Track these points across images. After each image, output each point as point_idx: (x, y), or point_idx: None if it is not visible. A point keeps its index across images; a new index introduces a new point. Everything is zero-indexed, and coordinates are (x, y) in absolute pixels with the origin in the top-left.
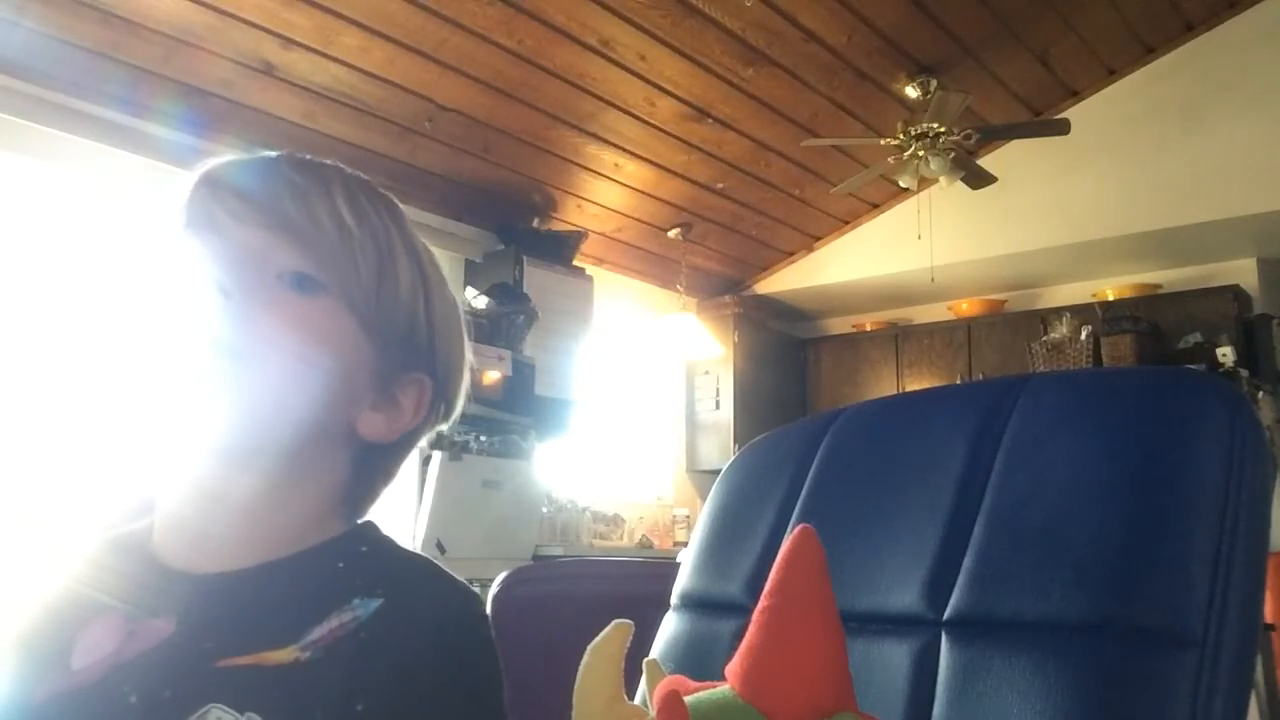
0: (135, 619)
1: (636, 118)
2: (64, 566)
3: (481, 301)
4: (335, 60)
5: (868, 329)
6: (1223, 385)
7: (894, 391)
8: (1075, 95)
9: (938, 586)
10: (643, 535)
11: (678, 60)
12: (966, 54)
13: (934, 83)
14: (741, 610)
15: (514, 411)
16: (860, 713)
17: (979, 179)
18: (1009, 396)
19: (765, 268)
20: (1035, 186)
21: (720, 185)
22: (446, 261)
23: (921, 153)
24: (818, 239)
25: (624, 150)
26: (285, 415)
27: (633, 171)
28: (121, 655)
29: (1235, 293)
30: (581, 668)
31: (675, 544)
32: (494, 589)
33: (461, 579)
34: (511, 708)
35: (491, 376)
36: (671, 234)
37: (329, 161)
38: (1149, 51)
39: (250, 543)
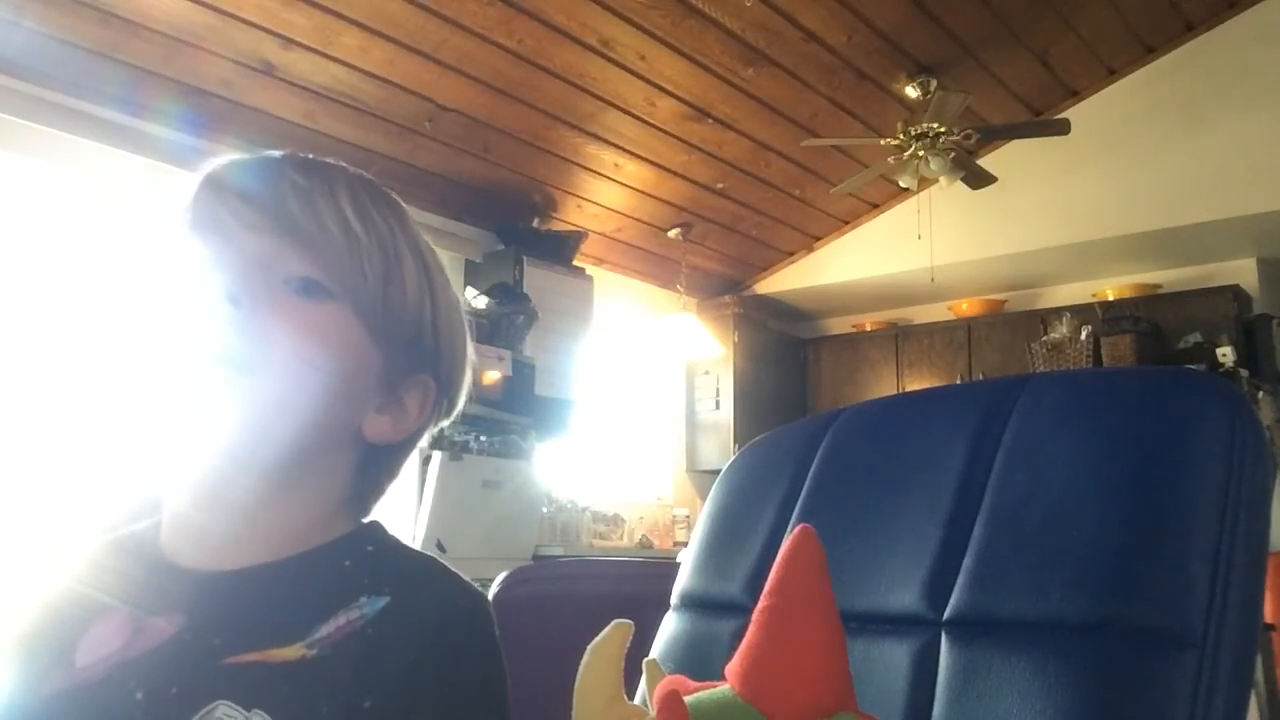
0: (141, 616)
1: (636, 118)
2: (66, 567)
3: (481, 301)
4: (335, 60)
5: (868, 329)
6: (1223, 385)
7: (894, 391)
8: (1075, 95)
9: (938, 586)
10: (643, 535)
11: (678, 60)
12: (966, 54)
13: (934, 83)
14: (741, 610)
15: (514, 411)
16: (860, 713)
17: (979, 179)
18: (1009, 396)
19: (765, 268)
20: (1035, 186)
21: (720, 185)
22: (446, 261)
23: (921, 153)
24: (818, 239)
25: (624, 150)
26: (291, 420)
27: (633, 171)
28: (128, 652)
29: (1235, 293)
30: (581, 668)
31: (675, 544)
32: (494, 589)
33: (467, 578)
34: (512, 707)
35: (491, 376)
36: (671, 234)
37: (333, 161)
38: (1149, 51)
39: (256, 542)
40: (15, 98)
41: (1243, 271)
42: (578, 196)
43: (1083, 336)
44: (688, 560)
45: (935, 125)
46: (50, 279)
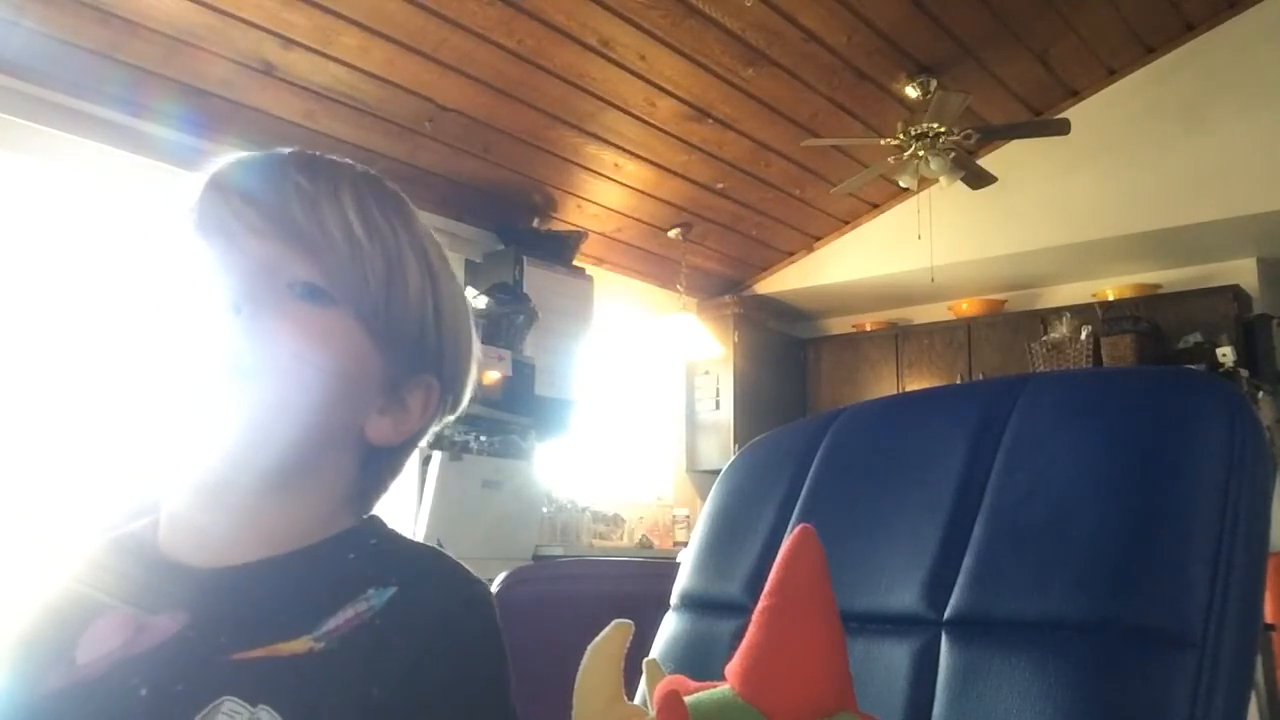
0: (144, 614)
1: (636, 118)
2: (65, 567)
3: (481, 301)
4: (335, 60)
5: (868, 329)
6: (1223, 385)
7: (894, 391)
8: (1075, 95)
9: (937, 586)
10: (643, 535)
11: (678, 60)
12: (966, 54)
13: (934, 83)
14: (741, 610)
15: (514, 411)
16: (860, 713)
17: (979, 179)
18: (1009, 396)
19: (765, 268)
20: (1035, 186)
21: (720, 185)
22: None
23: (921, 153)
24: (818, 239)
25: (624, 150)
26: (293, 424)
27: (633, 171)
28: (130, 649)
29: (1235, 293)
30: (581, 668)
31: (675, 544)
32: (494, 589)
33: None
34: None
35: (491, 376)
36: (671, 234)
37: (338, 159)
38: (1149, 51)
39: (258, 540)
40: (15, 98)
41: (1243, 271)
42: (578, 196)
43: (1083, 336)
44: (688, 560)
45: (935, 125)
46: (50, 279)
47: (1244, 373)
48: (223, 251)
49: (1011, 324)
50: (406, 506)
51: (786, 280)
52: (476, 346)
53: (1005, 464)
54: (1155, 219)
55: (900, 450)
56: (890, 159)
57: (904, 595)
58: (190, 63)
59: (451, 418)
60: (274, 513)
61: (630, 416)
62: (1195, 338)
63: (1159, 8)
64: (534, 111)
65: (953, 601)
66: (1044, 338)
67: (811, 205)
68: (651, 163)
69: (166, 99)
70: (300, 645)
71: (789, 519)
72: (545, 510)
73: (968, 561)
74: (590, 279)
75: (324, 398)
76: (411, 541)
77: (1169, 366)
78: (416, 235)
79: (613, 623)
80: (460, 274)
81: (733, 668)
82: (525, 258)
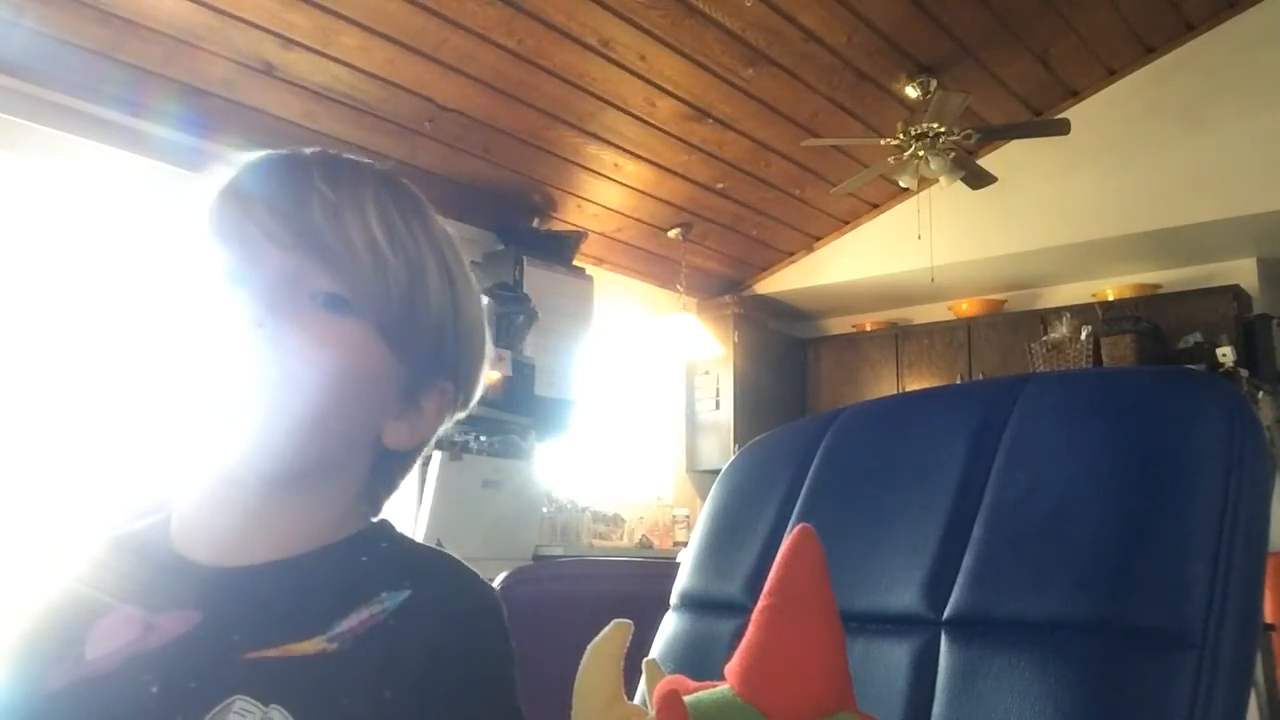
0: (155, 612)
1: (636, 118)
2: (69, 567)
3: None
4: (335, 60)
5: (868, 329)
6: (1222, 385)
7: (894, 391)
8: (1075, 95)
9: (937, 586)
10: (643, 535)
11: (678, 60)
12: (966, 54)
13: (934, 83)
14: (741, 610)
15: (514, 411)
16: (860, 713)
17: (979, 179)
18: (1009, 396)
19: (765, 268)
20: (1035, 186)
21: (720, 185)
22: None
23: (921, 153)
24: (818, 239)
25: (624, 150)
26: (311, 432)
27: (633, 171)
28: (141, 646)
29: (1235, 293)
30: (581, 668)
31: (675, 544)
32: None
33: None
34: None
35: (491, 376)
36: (671, 234)
37: (360, 161)
38: (1149, 51)
39: (271, 541)
40: (15, 98)
41: (1243, 271)
42: (578, 196)
43: (1083, 336)
44: (687, 560)
45: (935, 125)
46: (51, 279)
47: (1244, 373)
48: (244, 261)
49: (1011, 324)
50: (406, 506)
51: (786, 280)
52: (490, 346)
53: (1005, 464)
54: (1155, 219)
55: (900, 450)
56: (890, 159)
57: (904, 595)
58: (190, 63)
59: (462, 414)
60: (288, 515)
61: (630, 416)
62: (1195, 338)
63: (1159, 8)
64: (534, 111)
65: (952, 601)
66: (1044, 338)
67: (811, 205)
68: (651, 163)
69: (166, 99)
70: (313, 646)
71: (789, 519)
72: (545, 510)
73: (967, 561)
74: (590, 279)
75: (343, 406)
76: (422, 545)
77: (1169, 366)
78: (436, 240)
79: (612, 622)
80: None
81: (732, 667)
82: (525, 258)
